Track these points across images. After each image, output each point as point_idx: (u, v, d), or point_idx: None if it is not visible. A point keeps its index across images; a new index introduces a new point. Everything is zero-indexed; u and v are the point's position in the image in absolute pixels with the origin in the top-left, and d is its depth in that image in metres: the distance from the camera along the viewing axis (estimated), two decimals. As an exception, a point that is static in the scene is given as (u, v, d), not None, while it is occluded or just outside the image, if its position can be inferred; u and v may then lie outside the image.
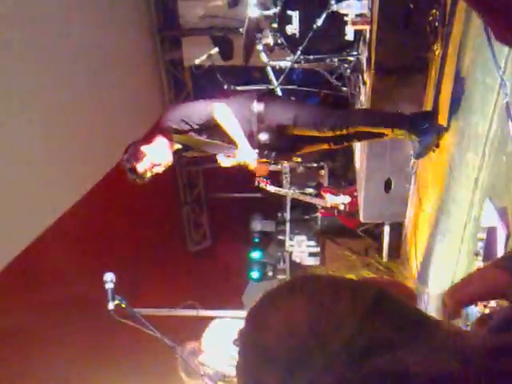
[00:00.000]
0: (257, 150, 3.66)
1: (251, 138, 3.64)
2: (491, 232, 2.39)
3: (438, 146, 3.50)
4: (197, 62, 7.32)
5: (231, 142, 3.60)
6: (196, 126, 3.56)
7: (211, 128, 3.58)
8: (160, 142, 3.63)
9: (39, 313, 5.16)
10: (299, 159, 4.17)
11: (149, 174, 3.63)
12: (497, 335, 0.73)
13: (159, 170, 3.65)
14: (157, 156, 3.59)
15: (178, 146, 3.73)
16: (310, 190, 6.94)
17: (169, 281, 6.97)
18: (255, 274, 7.92)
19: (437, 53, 3.60)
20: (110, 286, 3.36)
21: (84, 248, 5.76)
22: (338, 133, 3.59)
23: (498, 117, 2.48)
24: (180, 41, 7.71)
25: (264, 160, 3.75)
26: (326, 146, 3.87)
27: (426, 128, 3.46)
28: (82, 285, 5.16)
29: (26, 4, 4.84)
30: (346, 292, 0.70)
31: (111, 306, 3.32)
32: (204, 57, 7.07)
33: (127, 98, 6.80)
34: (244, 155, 3.58)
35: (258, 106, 3.61)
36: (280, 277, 8.09)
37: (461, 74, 3.11)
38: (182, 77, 8.00)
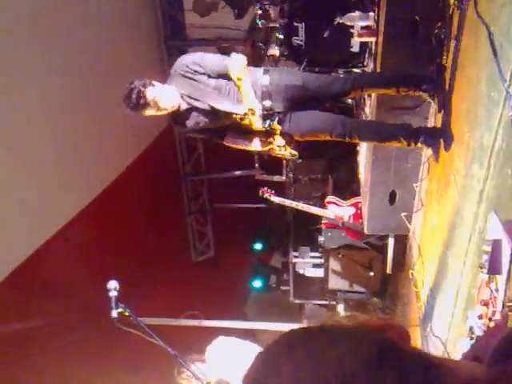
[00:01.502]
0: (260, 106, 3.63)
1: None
2: (496, 244, 2.38)
3: (437, 159, 3.55)
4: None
5: (238, 98, 3.59)
6: (208, 71, 3.56)
7: (221, 76, 3.58)
8: (170, 87, 3.62)
9: (42, 320, 5.16)
10: (296, 154, 3.97)
11: (153, 108, 3.52)
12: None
13: (166, 105, 3.57)
14: (165, 91, 3.56)
15: (183, 104, 3.66)
16: (315, 202, 6.93)
17: (172, 290, 6.95)
18: (257, 284, 7.92)
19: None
20: (113, 293, 3.36)
21: (88, 257, 5.76)
22: (347, 95, 3.69)
23: (503, 130, 2.48)
24: (187, 51, 7.75)
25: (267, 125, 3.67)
26: (327, 137, 3.80)
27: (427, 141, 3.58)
28: (86, 293, 5.16)
29: (39, 13, 4.89)
30: (350, 351, 0.66)
31: (114, 313, 3.32)
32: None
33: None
34: (250, 103, 3.54)
35: (263, 79, 3.63)
36: (283, 287, 8.08)
37: (466, 87, 3.12)
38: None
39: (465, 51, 3.18)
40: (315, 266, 7.29)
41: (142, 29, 7.26)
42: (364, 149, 5.10)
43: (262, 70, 3.69)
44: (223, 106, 3.62)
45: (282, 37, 5.05)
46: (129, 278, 4.86)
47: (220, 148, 4.13)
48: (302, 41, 4.95)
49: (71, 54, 5.38)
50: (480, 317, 2.49)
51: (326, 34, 4.72)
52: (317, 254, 7.34)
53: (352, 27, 4.59)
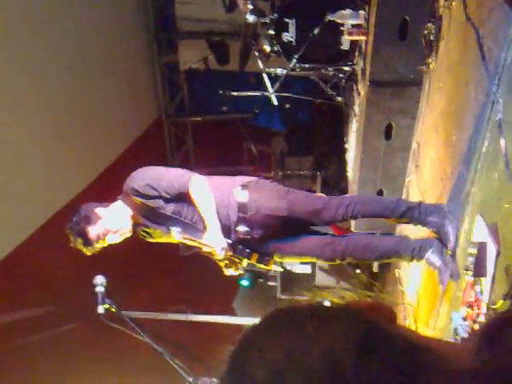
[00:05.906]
0: (229, 241, 3.07)
1: (226, 228, 3.09)
2: (482, 247, 2.41)
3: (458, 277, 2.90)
4: (193, 65, 7.34)
5: (200, 223, 3.08)
6: (164, 194, 3.05)
7: (182, 200, 3.08)
8: (120, 207, 3.15)
9: (28, 316, 5.13)
10: (280, 269, 3.68)
11: (100, 243, 3.09)
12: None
13: (114, 239, 3.13)
14: (114, 222, 3.09)
15: (139, 219, 3.19)
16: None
17: (159, 285, 6.95)
18: (245, 282, 7.92)
19: (431, 67, 3.63)
20: (100, 289, 3.34)
21: (74, 251, 5.73)
22: (339, 222, 3.23)
23: (491, 133, 2.50)
24: (176, 44, 7.71)
25: (234, 256, 3.15)
26: (314, 260, 3.58)
27: (434, 221, 3.05)
28: (72, 288, 5.14)
29: (26, 6, 4.85)
30: (335, 338, 0.66)
31: (101, 309, 3.31)
32: (200, 61, 7.10)
33: (122, 100, 6.80)
34: (212, 240, 3.01)
35: (241, 194, 3.10)
36: (271, 283, 8.08)
37: (454, 89, 3.13)
38: (177, 80, 7.99)
39: (453, 53, 3.19)
40: (303, 262, 7.30)
41: (132, 21, 7.21)
42: (353, 147, 5.11)
43: (239, 186, 3.12)
44: (185, 234, 3.14)
45: (272, 33, 5.03)
46: (116, 271, 4.85)
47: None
48: (292, 37, 4.94)
49: (56, 46, 5.33)
50: (465, 319, 2.51)
51: (316, 31, 4.72)
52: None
53: (342, 25, 4.58)
